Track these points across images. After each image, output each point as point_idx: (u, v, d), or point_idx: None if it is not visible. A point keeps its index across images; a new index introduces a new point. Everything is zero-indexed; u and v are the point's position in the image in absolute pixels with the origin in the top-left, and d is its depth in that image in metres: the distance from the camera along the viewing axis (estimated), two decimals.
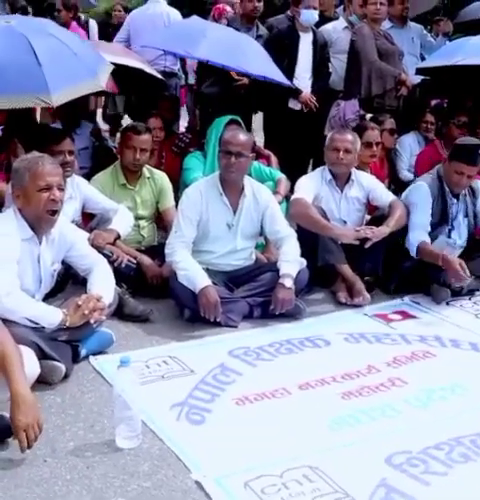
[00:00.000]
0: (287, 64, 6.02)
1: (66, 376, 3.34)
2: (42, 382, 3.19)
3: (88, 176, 5.07)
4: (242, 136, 4.26)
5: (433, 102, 7.36)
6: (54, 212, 3.46)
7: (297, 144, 6.21)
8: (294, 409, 3.18)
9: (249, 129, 6.60)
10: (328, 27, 6.85)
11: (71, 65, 4.29)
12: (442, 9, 7.96)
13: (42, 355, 3.22)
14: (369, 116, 6.04)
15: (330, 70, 6.69)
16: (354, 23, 6.77)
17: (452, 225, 4.63)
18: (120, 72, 5.54)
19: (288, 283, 4.09)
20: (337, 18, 7.18)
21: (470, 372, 3.59)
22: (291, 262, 4.17)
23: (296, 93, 6.20)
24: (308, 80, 6.31)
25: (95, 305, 3.43)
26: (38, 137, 4.44)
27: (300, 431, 2.99)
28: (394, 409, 3.21)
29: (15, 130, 5.09)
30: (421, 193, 4.56)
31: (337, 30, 6.82)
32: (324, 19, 6.97)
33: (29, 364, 2.87)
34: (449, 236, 4.65)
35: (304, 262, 4.25)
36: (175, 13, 7.35)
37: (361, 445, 2.90)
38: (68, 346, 3.46)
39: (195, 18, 6.04)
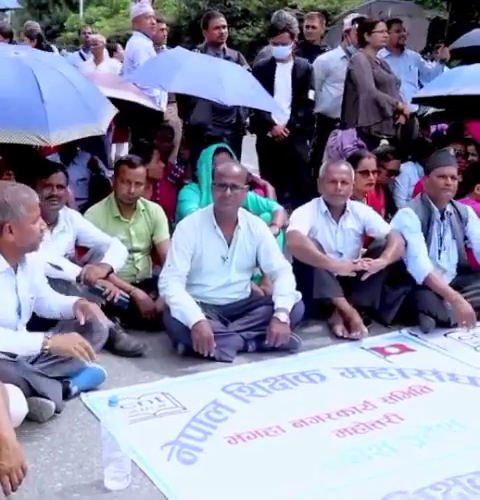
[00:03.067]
0: None
1: (57, 412, 3.29)
2: (31, 420, 3.14)
3: (86, 207, 5.06)
4: (236, 168, 4.24)
5: (432, 130, 7.40)
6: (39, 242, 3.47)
7: (281, 169, 6.27)
8: (287, 448, 3.11)
9: (239, 152, 6.67)
10: (325, 57, 6.91)
11: (74, 105, 4.22)
12: (442, 36, 7.98)
13: (31, 392, 3.17)
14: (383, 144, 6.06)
15: (325, 98, 6.74)
16: (351, 53, 6.82)
17: (442, 246, 4.64)
18: (116, 103, 5.57)
19: (283, 317, 4.04)
20: (324, 47, 7.26)
21: (468, 408, 3.53)
22: (286, 296, 4.13)
23: (270, 125, 6.28)
24: (287, 109, 6.36)
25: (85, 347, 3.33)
26: (30, 169, 4.41)
27: (293, 472, 2.92)
28: (390, 447, 3.14)
29: (12, 161, 5.09)
30: (409, 215, 4.62)
31: (334, 59, 6.90)
32: (312, 48, 7.05)
33: (16, 403, 2.82)
34: (439, 258, 4.67)
35: (299, 295, 4.21)
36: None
37: (356, 486, 2.84)
38: (58, 382, 3.40)
39: (178, 49, 6.08)
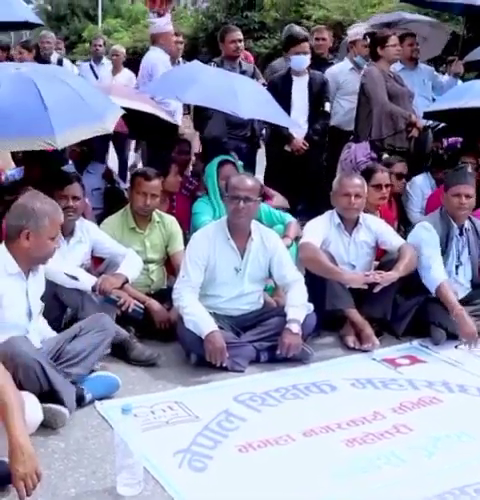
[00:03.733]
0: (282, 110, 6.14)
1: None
2: (46, 426, 3.22)
3: (102, 217, 5.16)
4: (249, 181, 4.31)
5: (445, 143, 7.42)
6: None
7: (294, 184, 6.33)
8: (297, 457, 3.16)
9: (254, 165, 6.76)
10: (334, 70, 7.01)
11: (78, 108, 4.36)
12: (456, 49, 8.00)
13: (45, 379, 3.27)
14: (386, 156, 6.08)
15: (337, 111, 6.81)
16: (359, 64, 6.93)
17: (459, 261, 4.68)
18: (132, 116, 5.67)
19: (295, 328, 4.09)
20: (332, 60, 7.33)
21: (477, 419, 3.57)
22: (298, 307, 4.19)
23: (289, 139, 6.34)
24: (304, 124, 6.44)
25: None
26: (47, 181, 4.52)
27: (302, 481, 2.97)
28: (398, 457, 3.18)
29: (32, 177, 5.21)
30: (427, 230, 4.65)
31: (343, 72, 6.98)
32: (320, 61, 7.13)
33: (31, 411, 2.90)
34: (456, 273, 4.69)
35: (311, 307, 4.27)
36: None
37: (362, 494, 2.89)
38: (72, 385, 3.49)
39: (194, 62, 6.17)
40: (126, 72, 9.47)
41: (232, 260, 4.28)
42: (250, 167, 6.81)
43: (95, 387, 3.65)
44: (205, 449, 3.21)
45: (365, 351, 4.39)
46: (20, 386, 3.09)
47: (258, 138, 6.85)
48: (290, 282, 4.31)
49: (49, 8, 34.44)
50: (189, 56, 9.89)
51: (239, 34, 6.75)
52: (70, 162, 6.08)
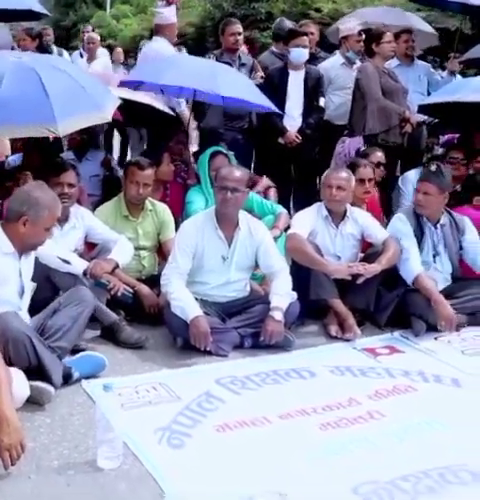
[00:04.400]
0: (277, 102, 6.25)
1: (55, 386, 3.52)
2: (33, 403, 3.37)
3: (99, 203, 5.30)
4: (237, 172, 4.44)
5: (443, 139, 7.54)
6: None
7: (286, 176, 6.45)
8: (271, 438, 3.31)
9: (251, 157, 6.90)
10: (326, 64, 7.11)
11: (78, 97, 4.54)
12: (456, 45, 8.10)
13: (34, 353, 3.44)
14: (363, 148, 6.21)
15: (329, 106, 6.94)
16: (351, 59, 7.03)
17: (436, 251, 4.84)
18: (129, 106, 5.83)
19: (278, 316, 4.24)
20: (319, 53, 7.43)
21: (449, 408, 3.68)
22: (282, 295, 4.33)
23: (282, 132, 6.46)
24: (298, 117, 6.55)
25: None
26: (43, 168, 4.66)
27: (274, 459, 3.11)
28: (369, 441, 3.32)
29: (31, 163, 5.37)
30: (402, 222, 4.82)
31: (335, 67, 7.08)
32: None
33: (18, 386, 3.05)
34: (434, 261, 4.85)
35: (295, 296, 4.41)
36: None
37: (331, 475, 3.02)
38: (60, 362, 3.65)
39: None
40: (102, 60, 9.57)
41: (219, 249, 4.41)
42: (247, 159, 6.96)
43: (82, 366, 3.79)
44: (184, 428, 3.36)
45: (347, 340, 4.53)
46: (9, 360, 3.28)
47: (255, 130, 6.96)
48: (275, 271, 4.45)
49: None
50: (196, 45, 9.96)
51: (239, 27, 6.86)
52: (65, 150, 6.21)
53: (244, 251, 4.46)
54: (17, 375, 3.10)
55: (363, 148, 6.39)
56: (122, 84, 6.19)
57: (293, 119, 6.59)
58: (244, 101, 5.68)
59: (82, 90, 4.57)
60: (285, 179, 6.53)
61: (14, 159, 6.18)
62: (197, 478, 2.94)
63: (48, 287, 4.12)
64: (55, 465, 2.98)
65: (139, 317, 4.58)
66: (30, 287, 3.83)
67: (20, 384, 3.09)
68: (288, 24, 7.42)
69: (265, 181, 6.11)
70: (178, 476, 2.95)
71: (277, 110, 5.99)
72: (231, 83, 5.67)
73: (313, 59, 7.39)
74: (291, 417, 3.52)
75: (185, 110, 6.86)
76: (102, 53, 9.76)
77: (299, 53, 6.51)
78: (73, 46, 30.71)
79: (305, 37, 6.61)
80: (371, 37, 6.65)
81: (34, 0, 7.06)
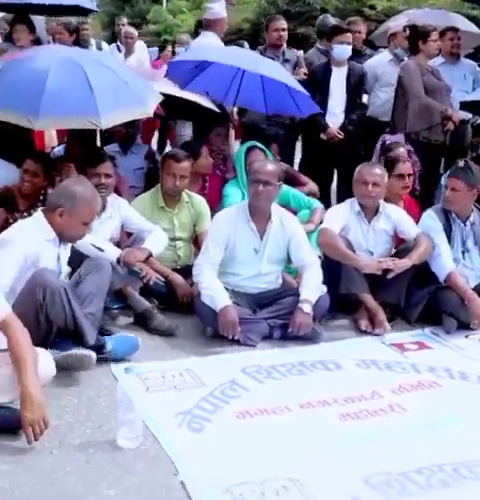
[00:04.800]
0: (320, 98, 6.29)
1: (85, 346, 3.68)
2: (62, 384, 3.53)
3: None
4: (270, 166, 4.51)
5: None
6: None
7: (328, 173, 6.48)
8: (290, 426, 3.36)
9: (293, 152, 6.94)
10: (373, 61, 7.13)
11: (121, 92, 4.73)
12: None
13: (69, 307, 3.62)
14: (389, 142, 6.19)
15: (375, 102, 6.94)
16: (399, 56, 7.00)
17: (465, 247, 4.81)
18: (173, 100, 5.95)
19: (306, 308, 4.29)
20: (366, 50, 7.41)
21: (472, 405, 3.68)
22: (311, 288, 4.38)
23: (324, 127, 6.50)
24: (340, 114, 6.59)
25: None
26: (82, 159, 4.82)
27: (289, 446, 3.17)
28: (387, 433, 3.34)
29: (73, 154, 5.54)
30: (432, 218, 4.82)
31: (382, 63, 7.08)
32: (355, 53, 7.24)
33: (45, 366, 3.17)
34: (464, 258, 4.83)
35: (324, 289, 4.45)
36: None
37: (345, 464, 3.05)
38: (93, 327, 3.81)
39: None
40: (137, 54, 9.57)
41: (251, 241, 4.48)
42: (288, 154, 7.03)
43: (117, 344, 3.92)
44: (205, 413, 3.45)
45: (376, 335, 4.55)
46: (46, 316, 3.56)
47: (298, 126, 7.00)
48: (306, 264, 4.50)
49: None
50: (252, 41, 10.03)
51: (283, 23, 6.92)
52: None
53: (276, 244, 4.52)
54: (44, 355, 3.21)
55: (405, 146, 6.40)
56: (171, 65, 6.32)
57: (335, 116, 6.63)
58: (285, 94, 5.79)
59: (125, 85, 4.74)
60: (327, 175, 6.55)
61: (59, 150, 6.38)
62: (212, 461, 3.02)
63: None
64: (77, 443, 3.10)
65: (172, 306, 4.69)
66: (66, 271, 3.97)
67: (46, 364, 3.20)
68: (332, 21, 7.45)
69: (312, 186, 6.11)
70: (194, 458, 3.04)
71: (316, 109, 6.03)
72: (273, 69, 5.79)
73: (359, 56, 7.42)
74: (312, 407, 3.57)
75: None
76: (139, 47, 9.77)
77: (342, 50, 6.54)
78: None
79: (348, 34, 6.64)
80: (417, 34, 6.62)
81: None
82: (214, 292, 4.27)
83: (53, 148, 6.76)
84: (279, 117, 6.71)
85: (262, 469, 2.96)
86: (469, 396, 3.80)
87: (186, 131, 7.65)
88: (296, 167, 6.98)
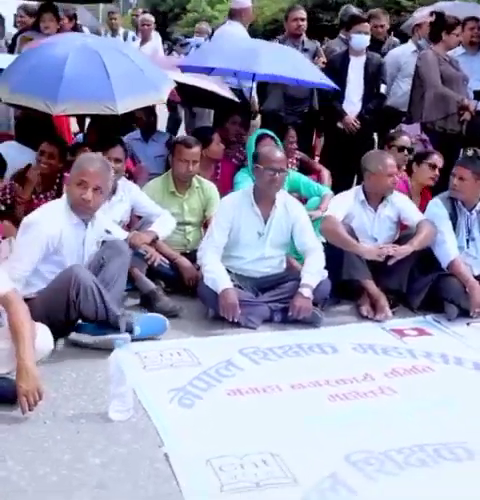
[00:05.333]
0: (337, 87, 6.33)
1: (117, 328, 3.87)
2: (68, 355, 3.75)
3: None
4: (279, 153, 4.62)
5: None
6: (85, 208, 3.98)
7: (347, 160, 6.50)
8: (278, 404, 3.46)
9: (311, 140, 7.01)
10: (397, 51, 7.13)
11: (137, 79, 4.94)
12: None
13: (101, 299, 3.82)
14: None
15: (396, 92, 6.96)
16: (422, 47, 7.00)
17: (470, 236, 4.84)
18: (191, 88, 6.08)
19: (306, 292, 4.37)
20: (389, 42, 7.43)
21: (463, 389, 3.73)
22: (312, 273, 4.46)
23: (341, 115, 6.53)
24: (358, 102, 6.63)
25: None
26: (96, 144, 4.98)
27: (275, 423, 3.27)
28: (374, 414, 3.42)
29: (90, 140, 5.72)
30: (438, 206, 4.86)
31: (406, 54, 7.09)
32: (379, 43, 7.27)
33: (42, 340, 3.33)
34: (468, 246, 4.86)
35: (325, 274, 4.53)
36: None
37: (328, 442, 3.13)
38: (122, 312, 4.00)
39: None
40: (153, 42, 9.66)
41: (255, 225, 4.58)
42: (306, 142, 7.09)
43: (144, 322, 4.09)
44: (197, 390, 3.56)
45: (377, 321, 4.61)
46: (79, 309, 3.78)
47: (316, 114, 7.05)
48: (309, 249, 4.58)
49: None
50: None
51: (302, 13, 6.99)
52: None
53: (279, 228, 4.61)
54: (42, 330, 3.37)
55: (421, 135, 6.44)
56: (181, 68, 6.43)
57: (353, 104, 6.67)
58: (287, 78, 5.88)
59: (141, 72, 4.93)
60: (347, 165, 6.59)
61: (79, 137, 6.56)
62: (197, 435, 3.13)
63: None
64: (70, 414, 3.24)
65: (179, 289, 4.81)
66: (90, 253, 4.14)
67: (44, 338, 3.36)
68: (353, 10, 7.47)
69: (324, 173, 6.18)
70: (180, 431, 3.16)
71: (331, 85, 6.07)
72: (275, 61, 5.82)
73: (381, 44, 7.45)
74: (303, 387, 3.66)
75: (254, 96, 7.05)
76: (155, 36, 9.88)
77: (360, 39, 6.58)
78: (169, 31, 31.45)
79: (366, 23, 6.68)
80: (443, 24, 6.60)
81: None
82: (216, 275, 4.37)
83: (75, 135, 6.95)
84: (298, 105, 6.79)
85: (245, 444, 3.07)
86: (461, 381, 3.85)
87: (205, 123, 7.78)
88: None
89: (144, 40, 9.65)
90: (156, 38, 9.89)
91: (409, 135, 6.16)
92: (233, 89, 6.86)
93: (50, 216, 3.94)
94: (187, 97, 6.60)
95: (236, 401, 3.49)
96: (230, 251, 4.61)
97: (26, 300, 3.46)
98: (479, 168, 4.81)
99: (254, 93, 6.99)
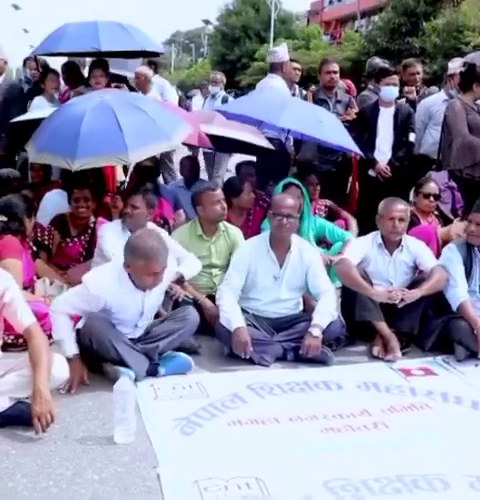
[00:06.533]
0: (368, 137, 6.63)
1: (136, 380, 4.19)
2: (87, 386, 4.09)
3: None
4: (290, 200, 4.92)
5: None
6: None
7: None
8: (273, 434, 3.72)
9: (346, 188, 7.29)
10: (429, 100, 7.39)
11: (149, 129, 5.42)
12: None
13: (114, 350, 4.17)
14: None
15: (427, 140, 7.21)
16: (453, 96, 7.22)
17: None
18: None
19: (315, 332, 4.64)
20: (424, 91, 7.69)
21: (455, 426, 3.89)
22: (323, 314, 4.73)
23: (373, 164, 6.80)
24: (388, 151, 6.94)
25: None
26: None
27: (265, 450, 3.53)
28: (361, 446, 3.62)
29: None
30: (452, 250, 5.06)
31: (437, 103, 7.33)
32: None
33: (58, 369, 3.71)
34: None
35: (336, 315, 4.79)
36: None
37: (310, 468, 3.36)
38: (144, 357, 4.35)
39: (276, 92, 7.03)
40: (152, 93, 9.05)
41: (271, 269, 4.89)
42: (341, 190, 7.39)
43: (169, 364, 4.45)
44: (200, 419, 3.86)
45: (388, 361, 4.81)
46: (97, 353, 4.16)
47: (350, 163, 7.35)
48: (321, 292, 4.86)
49: (225, 30, 36.51)
50: (353, 79, 10.37)
51: (334, 66, 7.37)
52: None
53: (294, 272, 4.90)
54: (58, 360, 3.75)
55: (448, 182, 6.65)
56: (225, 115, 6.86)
57: (383, 153, 6.97)
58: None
59: (153, 123, 5.40)
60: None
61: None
62: (191, 458, 3.43)
63: None
64: (80, 436, 3.60)
65: (201, 327, 5.11)
66: (150, 313, 4.53)
67: (60, 367, 3.74)
68: (379, 63, 7.80)
69: (351, 222, 6.46)
70: (176, 455, 3.46)
71: (361, 153, 6.39)
72: (332, 129, 6.24)
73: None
74: (300, 420, 3.90)
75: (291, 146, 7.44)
76: (156, 87, 9.34)
77: (389, 91, 6.91)
78: (237, 80, 32.40)
79: (395, 76, 6.99)
80: (474, 75, 6.83)
81: (147, 39, 7.78)
82: (231, 314, 4.69)
83: (122, 183, 7.45)
84: (332, 154, 7.11)
85: (233, 468, 3.34)
86: (455, 418, 4.01)
87: (220, 172, 8.23)
88: None
89: (143, 93, 8.78)
90: (156, 89, 9.36)
91: (437, 182, 6.39)
92: (272, 139, 7.23)
93: (107, 284, 4.27)
94: (219, 145, 7.03)
95: (234, 431, 3.77)
96: (248, 293, 4.92)
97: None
98: None
99: (291, 143, 7.37)
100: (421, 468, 3.41)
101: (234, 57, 32.68)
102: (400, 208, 5.15)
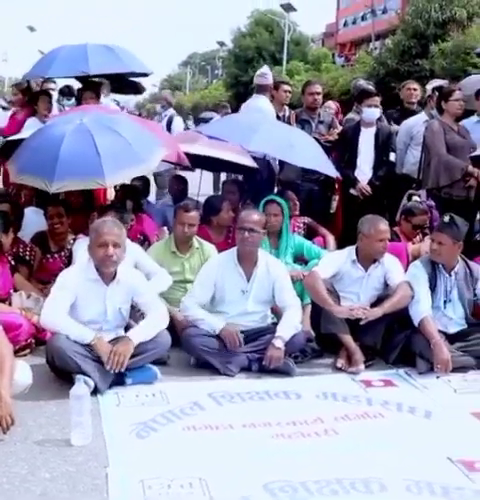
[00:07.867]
0: (349, 156, 6.81)
1: (98, 391, 4.36)
2: (53, 392, 4.32)
3: None
4: (255, 215, 5.11)
5: None
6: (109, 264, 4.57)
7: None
8: (223, 440, 3.89)
9: (329, 204, 7.48)
10: (411, 121, 7.56)
11: (125, 154, 5.60)
12: None
13: (76, 364, 4.33)
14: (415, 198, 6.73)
15: (409, 160, 7.39)
16: (435, 117, 7.38)
17: (447, 297, 5.15)
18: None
19: (278, 343, 4.81)
20: (420, 110, 7.85)
21: (404, 434, 4.03)
22: (286, 326, 4.91)
23: (354, 183, 6.97)
24: (369, 171, 7.13)
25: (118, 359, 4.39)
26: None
27: (214, 453, 3.71)
28: (307, 451, 3.78)
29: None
30: (417, 267, 5.22)
31: (418, 124, 7.50)
32: (411, 113, 7.71)
33: (21, 375, 3.92)
34: (445, 307, 5.17)
35: (299, 328, 4.97)
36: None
37: (253, 472, 3.52)
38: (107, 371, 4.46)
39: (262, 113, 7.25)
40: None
41: (239, 283, 5.07)
42: (324, 208, 7.58)
43: (136, 374, 4.61)
44: (157, 424, 4.04)
45: (351, 373, 4.97)
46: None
47: (333, 182, 7.54)
48: (287, 306, 5.05)
49: (238, 52, 37.00)
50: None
51: (317, 88, 7.59)
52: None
53: (261, 286, 5.09)
54: (21, 366, 3.96)
55: (427, 201, 6.82)
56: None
57: (363, 173, 7.16)
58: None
59: (129, 147, 5.57)
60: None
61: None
62: (140, 459, 3.61)
63: None
64: (39, 439, 3.80)
65: (173, 339, 5.30)
66: (117, 310, 4.70)
67: (23, 373, 3.95)
68: (362, 84, 8.00)
69: (329, 239, 6.64)
70: (127, 456, 3.65)
71: (337, 175, 6.66)
72: (305, 151, 6.48)
73: (411, 114, 7.85)
74: (253, 427, 4.07)
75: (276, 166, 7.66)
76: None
77: (371, 113, 7.12)
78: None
79: (377, 97, 7.17)
80: (441, 95, 7.05)
81: (135, 60, 7.91)
82: (210, 318, 4.94)
83: (113, 202, 7.68)
84: (314, 174, 7.30)
85: (180, 469, 3.52)
86: (406, 427, 4.15)
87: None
88: None
89: None
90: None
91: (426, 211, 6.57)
92: (257, 158, 7.44)
93: (73, 273, 4.66)
94: (206, 164, 7.25)
95: (187, 435, 3.94)
96: (216, 307, 5.11)
97: None
98: (456, 233, 5.14)
99: (276, 162, 7.58)
100: (362, 472, 3.54)
101: (248, 78, 33.00)
102: (386, 229, 5.34)
